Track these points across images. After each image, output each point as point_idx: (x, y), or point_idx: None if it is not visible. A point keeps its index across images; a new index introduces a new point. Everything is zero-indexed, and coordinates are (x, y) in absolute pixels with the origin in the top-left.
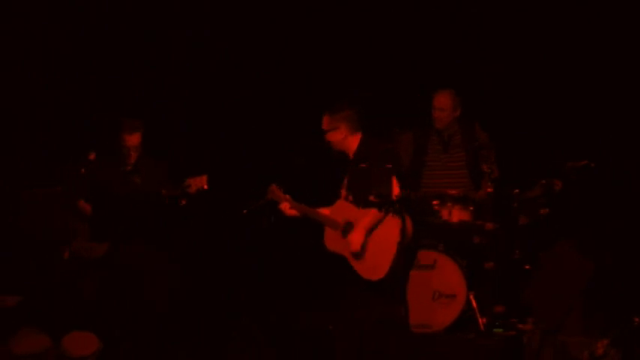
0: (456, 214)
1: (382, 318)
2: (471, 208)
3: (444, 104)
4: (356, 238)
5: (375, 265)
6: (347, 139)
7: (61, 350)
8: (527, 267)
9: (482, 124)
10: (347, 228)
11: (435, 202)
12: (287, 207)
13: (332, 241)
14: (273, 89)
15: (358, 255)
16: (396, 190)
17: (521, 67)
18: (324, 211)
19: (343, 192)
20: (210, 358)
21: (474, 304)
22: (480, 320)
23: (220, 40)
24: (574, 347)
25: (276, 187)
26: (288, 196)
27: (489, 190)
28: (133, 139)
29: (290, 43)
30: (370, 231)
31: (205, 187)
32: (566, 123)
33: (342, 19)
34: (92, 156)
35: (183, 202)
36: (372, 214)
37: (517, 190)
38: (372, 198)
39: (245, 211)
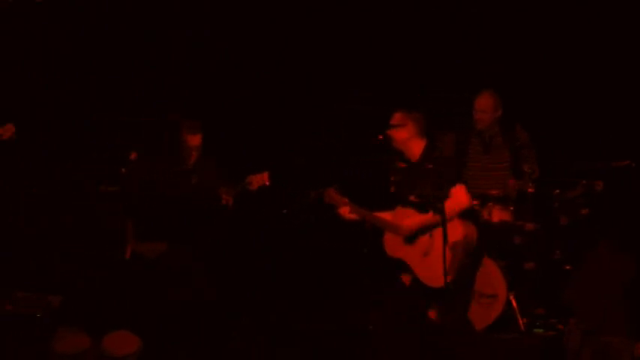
0: (496, 215)
1: (438, 322)
2: (511, 209)
3: (485, 106)
4: (409, 223)
5: (437, 272)
6: (410, 141)
7: (101, 350)
8: (567, 267)
9: (523, 124)
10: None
11: (475, 203)
12: (346, 211)
13: (393, 246)
14: (314, 90)
15: (412, 241)
16: (466, 200)
17: (564, 67)
18: (385, 215)
19: (412, 197)
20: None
21: (514, 304)
22: (520, 320)
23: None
24: (615, 348)
25: (334, 191)
26: (346, 200)
27: (530, 190)
28: (195, 140)
29: (317, 40)
30: (432, 233)
31: (267, 183)
32: (608, 123)
33: (376, 17)
34: (133, 156)
35: (230, 202)
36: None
37: (558, 191)
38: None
39: (285, 211)
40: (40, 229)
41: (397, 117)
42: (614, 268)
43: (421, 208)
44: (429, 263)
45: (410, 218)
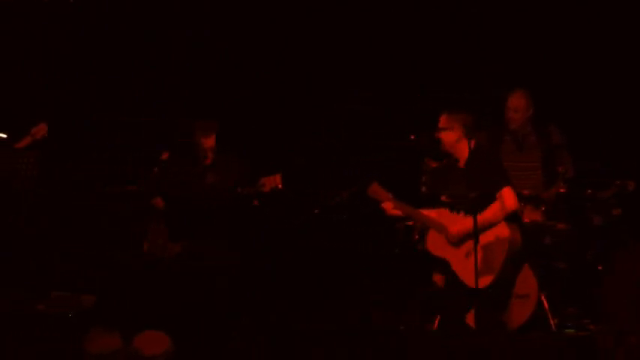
0: (528, 214)
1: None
2: (543, 209)
3: (518, 105)
4: (457, 229)
5: (481, 273)
6: (460, 143)
7: (133, 349)
8: (599, 267)
9: (557, 124)
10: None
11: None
12: (390, 207)
13: (435, 244)
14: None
15: (458, 244)
16: (513, 202)
17: (597, 67)
18: (431, 213)
19: (444, 197)
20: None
21: (546, 304)
22: (551, 321)
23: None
24: None
25: (378, 186)
26: (391, 195)
27: (562, 190)
28: (209, 141)
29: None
30: (478, 237)
31: (280, 186)
32: None
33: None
34: (165, 156)
35: (256, 203)
36: (484, 218)
37: (590, 191)
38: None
39: (317, 211)
40: (71, 230)
41: (443, 119)
42: None
43: (453, 208)
44: (472, 264)
45: (459, 223)
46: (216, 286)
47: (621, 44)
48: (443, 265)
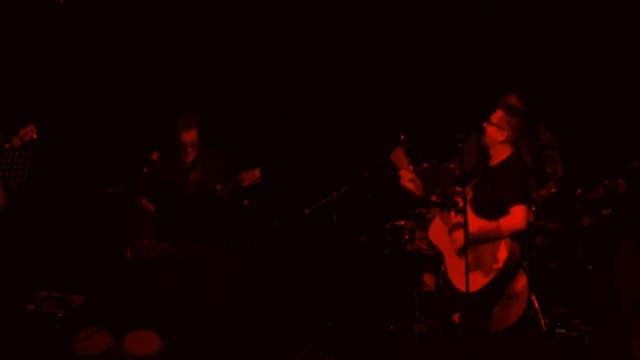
0: None
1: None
2: (534, 209)
3: None
4: (462, 237)
5: (470, 278)
6: (501, 145)
7: (123, 349)
8: (590, 267)
9: (546, 123)
10: (457, 226)
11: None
12: (406, 176)
13: (436, 233)
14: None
15: (459, 252)
16: (521, 222)
17: (587, 66)
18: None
19: (469, 194)
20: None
21: (537, 304)
22: (542, 321)
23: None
24: (637, 349)
25: (401, 151)
26: (411, 167)
27: (552, 190)
28: (190, 135)
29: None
30: (478, 241)
31: (259, 179)
32: (629, 123)
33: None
34: (155, 155)
35: (245, 202)
36: (489, 227)
37: (580, 191)
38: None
39: (307, 211)
40: (60, 228)
41: (499, 116)
42: (636, 268)
43: (442, 208)
44: (462, 266)
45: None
46: (206, 285)
47: (610, 43)
48: (434, 264)
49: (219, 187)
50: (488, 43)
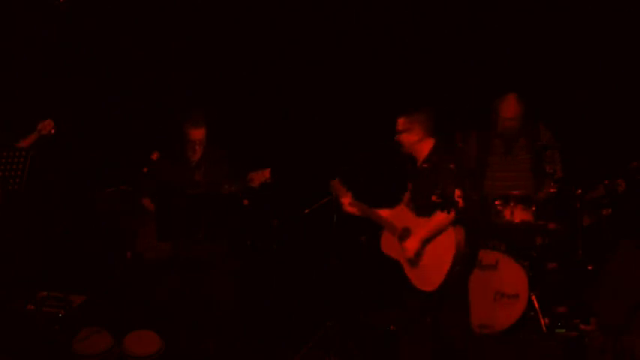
0: (518, 215)
1: (440, 322)
2: (533, 209)
3: (513, 114)
4: (411, 246)
5: (429, 277)
6: (420, 143)
7: (123, 349)
8: (590, 267)
9: (546, 123)
10: (404, 234)
11: (497, 203)
12: (347, 202)
13: (388, 244)
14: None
15: (412, 262)
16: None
17: (587, 66)
18: (384, 212)
19: (406, 197)
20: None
21: (536, 304)
22: (542, 321)
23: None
24: (638, 349)
25: (338, 182)
26: (349, 193)
27: (552, 190)
28: (199, 133)
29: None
30: (427, 242)
31: (269, 180)
32: (629, 123)
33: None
34: (155, 155)
35: (246, 203)
36: (432, 224)
37: (580, 191)
38: (434, 198)
39: (307, 211)
40: (60, 228)
41: (401, 122)
42: (636, 268)
43: (442, 208)
44: (420, 267)
45: (409, 240)
46: (206, 285)
47: (610, 43)
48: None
49: (225, 187)
50: (488, 43)
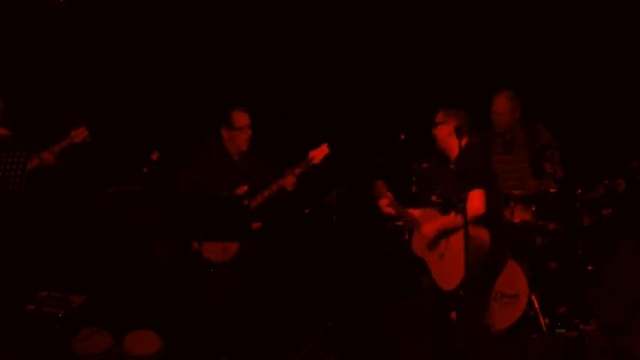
0: (518, 215)
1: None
2: (533, 209)
3: (502, 108)
4: (429, 229)
5: (451, 275)
6: (451, 138)
7: (123, 349)
8: (590, 267)
9: (546, 123)
10: (424, 220)
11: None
12: (385, 203)
13: (419, 245)
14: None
15: (439, 255)
16: (478, 206)
17: (587, 66)
18: (416, 212)
19: (434, 198)
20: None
21: (537, 304)
22: (542, 320)
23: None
24: (638, 349)
25: (382, 183)
26: (390, 194)
27: (552, 190)
28: (247, 117)
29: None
30: (449, 231)
31: (328, 152)
32: (629, 123)
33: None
34: (155, 155)
35: (245, 203)
36: (452, 217)
37: (580, 191)
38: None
39: (307, 211)
40: (60, 228)
41: (440, 114)
42: (636, 268)
43: (443, 208)
44: (443, 266)
45: (428, 223)
46: (206, 285)
47: (610, 43)
48: (424, 267)
49: (289, 171)
50: (488, 43)
